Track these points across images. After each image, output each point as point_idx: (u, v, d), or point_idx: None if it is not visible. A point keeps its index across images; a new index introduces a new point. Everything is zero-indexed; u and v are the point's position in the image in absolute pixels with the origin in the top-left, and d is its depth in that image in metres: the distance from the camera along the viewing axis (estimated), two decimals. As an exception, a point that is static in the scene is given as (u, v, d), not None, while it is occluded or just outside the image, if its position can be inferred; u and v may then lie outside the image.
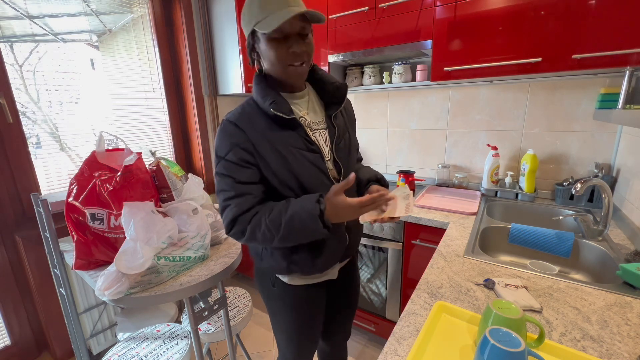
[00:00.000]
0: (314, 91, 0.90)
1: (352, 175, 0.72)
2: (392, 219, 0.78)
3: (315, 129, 0.84)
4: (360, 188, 0.93)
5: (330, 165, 0.84)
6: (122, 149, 1.11)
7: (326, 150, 0.83)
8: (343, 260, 0.95)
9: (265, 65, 0.79)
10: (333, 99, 0.87)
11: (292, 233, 0.73)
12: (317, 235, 0.73)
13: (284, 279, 0.90)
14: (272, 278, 0.92)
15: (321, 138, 0.84)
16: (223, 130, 0.77)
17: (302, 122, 0.82)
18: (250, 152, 0.76)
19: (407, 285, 1.51)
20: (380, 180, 0.93)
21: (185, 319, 1.30)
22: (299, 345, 0.98)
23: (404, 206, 0.79)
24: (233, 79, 2.04)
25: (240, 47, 1.93)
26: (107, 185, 0.98)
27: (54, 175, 1.58)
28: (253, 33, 0.75)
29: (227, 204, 0.76)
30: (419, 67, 1.67)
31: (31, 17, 1.48)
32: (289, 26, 0.70)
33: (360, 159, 1.12)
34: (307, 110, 0.85)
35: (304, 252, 0.83)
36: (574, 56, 1.14)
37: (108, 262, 0.97)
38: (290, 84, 0.82)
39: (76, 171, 1.00)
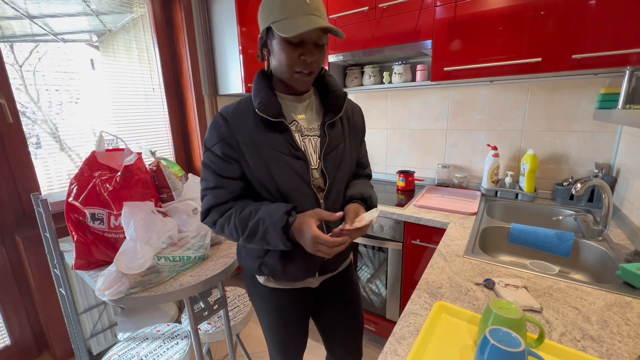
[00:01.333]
0: (317, 95, 0.88)
1: (339, 214, 0.72)
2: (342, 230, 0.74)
3: (306, 135, 0.81)
4: (343, 205, 0.87)
5: (316, 174, 0.81)
6: (122, 149, 1.12)
7: (314, 158, 0.81)
8: (323, 274, 0.91)
9: (273, 63, 0.78)
10: (332, 106, 0.84)
11: (255, 237, 0.74)
12: (280, 246, 0.73)
13: (260, 279, 0.91)
14: (250, 276, 0.93)
15: (310, 145, 0.81)
16: (214, 122, 0.79)
17: (294, 126, 0.80)
18: (234, 148, 0.76)
19: (407, 285, 1.51)
20: (366, 200, 0.84)
21: (185, 319, 1.30)
22: (283, 345, 0.98)
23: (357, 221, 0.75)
24: (233, 79, 2.04)
25: (240, 47, 1.93)
26: (107, 185, 0.99)
27: (54, 175, 1.58)
28: (269, 29, 0.73)
29: (205, 193, 0.80)
30: (419, 67, 1.67)
31: (31, 17, 1.48)
32: (306, 34, 0.69)
33: (367, 175, 1.02)
34: (304, 114, 0.83)
35: (275, 257, 0.83)
36: (574, 56, 1.14)
37: (108, 262, 0.97)
38: (293, 87, 0.81)
39: (76, 171, 1.01)
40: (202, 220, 0.81)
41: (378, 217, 1.46)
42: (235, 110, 0.79)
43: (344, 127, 0.87)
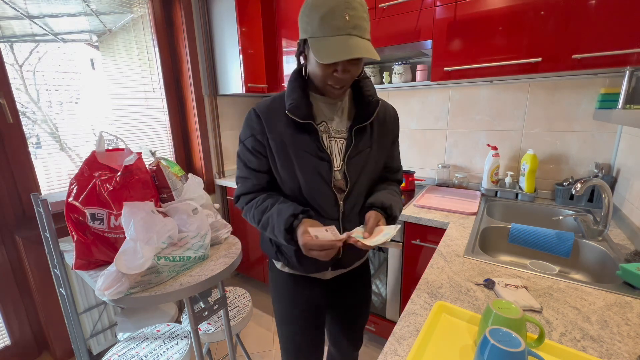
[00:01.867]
0: (351, 97, 0.88)
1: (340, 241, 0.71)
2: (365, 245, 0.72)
3: (333, 137, 0.83)
4: (362, 211, 0.86)
5: (338, 175, 0.82)
6: (122, 149, 1.11)
7: (338, 160, 0.82)
8: (336, 269, 0.94)
9: (309, 69, 0.78)
10: (364, 112, 0.83)
11: (266, 230, 0.81)
12: (284, 243, 0.78)
13: (277, 264, 0.96)
14: (271, 261, 0.99)
15: (336, 147, 0.83)
16: (248, 117, 0.83)
17: (323, 127, 0.82)
18: (263, 144, 0.81)
19: (407, 285, 1.51)
20: (386, 209, 0.82)
21: (185, 319, 1.30)
22: (295, 340, 0.97)
23: (377, 238, 0.73)
24: (233, 79, 2.04)
25: (240, 47, 1.93)
26: (107, 185, 0.98)
27: (54, 175, 1.58)
28: (305, 40, 0.73)
29: (237, 181, 0.90)
30: (419, 67, 1.67)
31: (31, 17, 1.48)
32: None
33: (396, 180, 1.00)
34: (335, 115, 0.84)
35: (291, 249, 0.86)
36: (574, 56, 1.14)
37: (108, 262, 0.97)
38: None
39: (76, 171, 1.00)
40: (235, 203, 0.91)
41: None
42: (268, 109, 0.81)
43: (374, 132, 0.86)
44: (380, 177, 0.94)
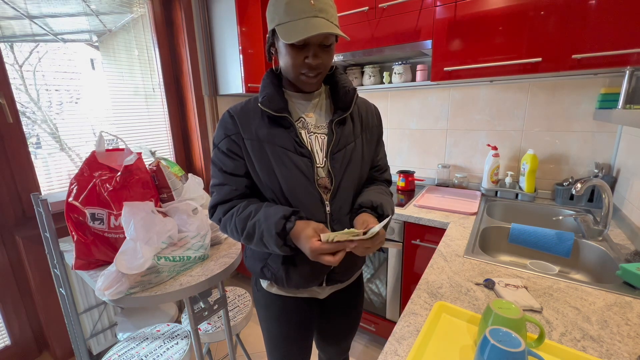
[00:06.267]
0: (329, 95, 0.86)
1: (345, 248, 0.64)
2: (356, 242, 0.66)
3: (313, 132, 0.79)
4: (350, 212, 0.81)
5: (322, 172, 0.77)
6: (122, 149, 1.12)
7: (320, 156, 0.78)
8: (332, 284, 0.87)
9: (280, 63, 0.77)
10: (341, 104, 0.81)
11: (253, 239, 0.73)
12: (277, 251, 0.72)
13: (263, 284, 0.88)
14: (254, 279, 0.92)
15: (317, 142, 0.79)
16: (221, 119, 0.80)
17: (301, 123, 0.79)
18: (239, 144, 0.76)
19: (407, 285, 1.51)
20: (376, 209, 0.78)
21: (185, 319, 1.30)
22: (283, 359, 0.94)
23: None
24: (233, 79, 2.04)
25: (240, 47, 1.93)
26: (107, 185, 0.99)
27: (54, 175, 1.58)
28: (274, 30, 0.72)
29: (212, 190, 0.80)
30: (419, 67, 1.67)
31: (31, 17, 1.48)
32: (309, 37, 0.67)
33: (385, 180, 0.94)
34: (313, 112, 0.82)
35: (278, 261, 0.80)
36: (574, 56, 1.14)
37: (108, 262, 0.97)
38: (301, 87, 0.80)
39: (76, 171, 1.01)
40: (210, 217, 0.81)
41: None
42: (242, 108, 0.79)
43: (356, 126, 0.83)
44: (368, 177, 0.89)
